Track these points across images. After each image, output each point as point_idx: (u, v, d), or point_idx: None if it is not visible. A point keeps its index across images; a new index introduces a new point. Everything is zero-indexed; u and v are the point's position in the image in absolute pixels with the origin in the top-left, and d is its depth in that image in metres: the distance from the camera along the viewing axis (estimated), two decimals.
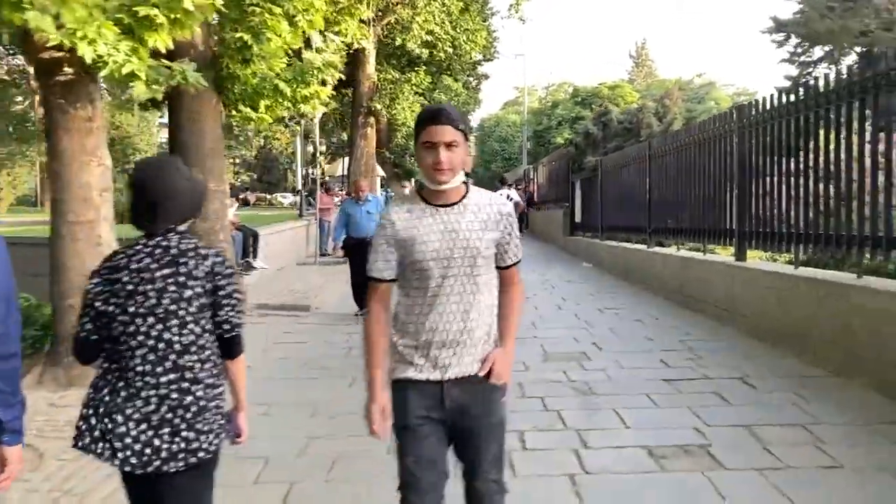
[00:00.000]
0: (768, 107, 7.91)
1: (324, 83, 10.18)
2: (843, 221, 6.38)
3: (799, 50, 36.20)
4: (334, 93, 27.72)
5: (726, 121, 9.13)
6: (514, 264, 2.63)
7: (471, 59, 27.42)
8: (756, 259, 9.58)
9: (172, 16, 5.49)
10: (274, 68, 9.29)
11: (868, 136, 6.15)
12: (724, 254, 10.01)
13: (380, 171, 42.44)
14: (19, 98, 34.97)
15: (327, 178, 29.29)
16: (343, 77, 12.27)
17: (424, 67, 25.53)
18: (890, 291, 5.39)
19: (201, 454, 2.36)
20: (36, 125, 32.11)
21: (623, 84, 47.57)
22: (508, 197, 19.16)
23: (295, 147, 36.91)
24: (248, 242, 11.98)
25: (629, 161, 13.87)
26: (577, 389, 5.76)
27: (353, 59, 25.40)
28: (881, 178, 5.91)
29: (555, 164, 23.66)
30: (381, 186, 27.45)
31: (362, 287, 7.04)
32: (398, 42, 23.98)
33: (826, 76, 6.73)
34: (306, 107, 9.94)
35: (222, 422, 2.46)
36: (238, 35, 8.57)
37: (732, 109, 8.99)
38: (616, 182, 14.95)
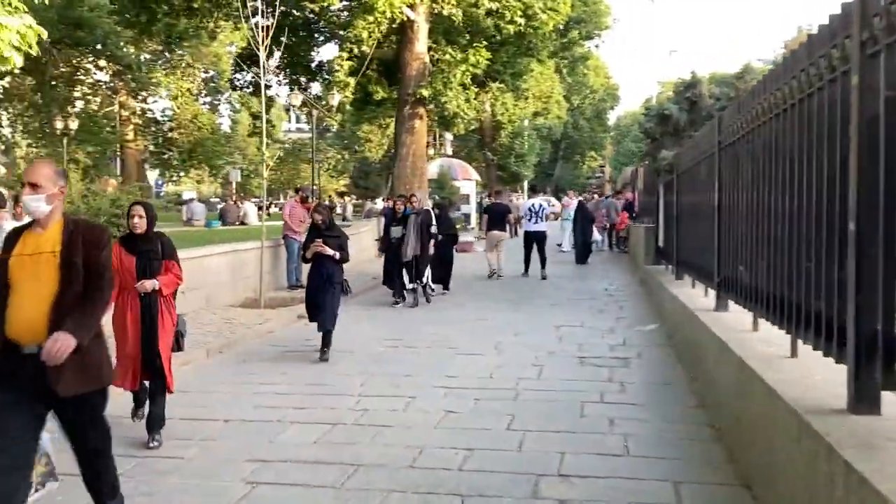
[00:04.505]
0: None
1: None
2: None
3: None
4: (375, 74, 22.97)
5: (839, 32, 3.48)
6: None
7: (552, 32, 21.72)
8: None
9: None
10: None
11: None
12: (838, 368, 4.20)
13: (474, 175, 37.37)
14: None
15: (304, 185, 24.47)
16: None
17: (486, 44, 20.23)
18: None
19: None
20: None
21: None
22: (540, 206, 14.13)
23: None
24: None
25: (700, 155, 8.14)
26: None
27: (400, 35, 20.69)
28: None
29: (648, 164, 17.72)
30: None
31: None
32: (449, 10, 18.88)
33: None
34: None
35: None
36: None
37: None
38: (690, 188, 9.22)
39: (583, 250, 18.95)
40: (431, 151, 38.26)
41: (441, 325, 9.90)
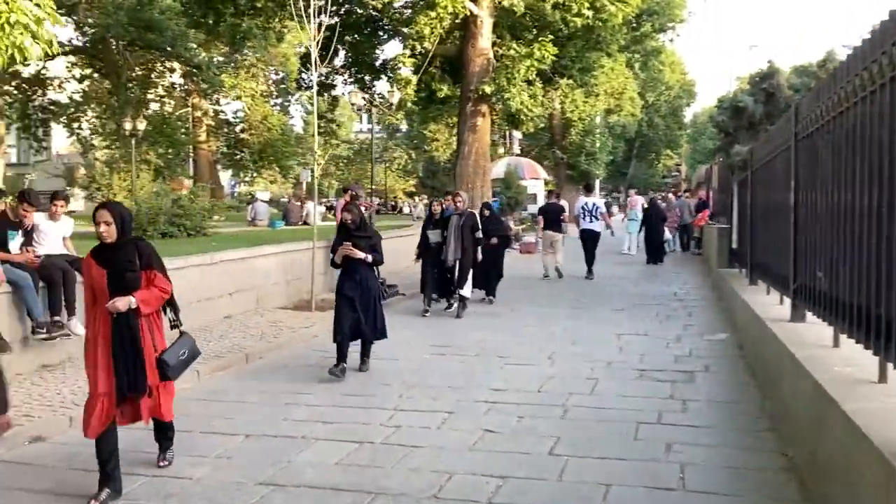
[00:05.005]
0: None
1: None
2: None
3: None
4: (438, 72, 22.49)
5: None
6: None
7: (622, 25, 20.88)
8: None
9: None
10: None
11: None
12: None
13: (543, 174, 36.62)
14: None
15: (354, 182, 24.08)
16: None
17: (552, 38, 19.56)
18: None
19: None
20: None
21: None
22: (594, 205, 14.36)
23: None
24: (57, 290, 7.17)
25: (775, 148, 7.40)
26: None
27: (463, 31, 20.24)
28: None
29: (721, 161, 16.76)
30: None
31: None
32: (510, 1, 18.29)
33: None
34: None
35: None
36: None
37: None
38: (765, 185, 8.47)
39: (656, 250, 18.21)
40: (501, 150, 37.74)
41: (493, 332, 9.36)
